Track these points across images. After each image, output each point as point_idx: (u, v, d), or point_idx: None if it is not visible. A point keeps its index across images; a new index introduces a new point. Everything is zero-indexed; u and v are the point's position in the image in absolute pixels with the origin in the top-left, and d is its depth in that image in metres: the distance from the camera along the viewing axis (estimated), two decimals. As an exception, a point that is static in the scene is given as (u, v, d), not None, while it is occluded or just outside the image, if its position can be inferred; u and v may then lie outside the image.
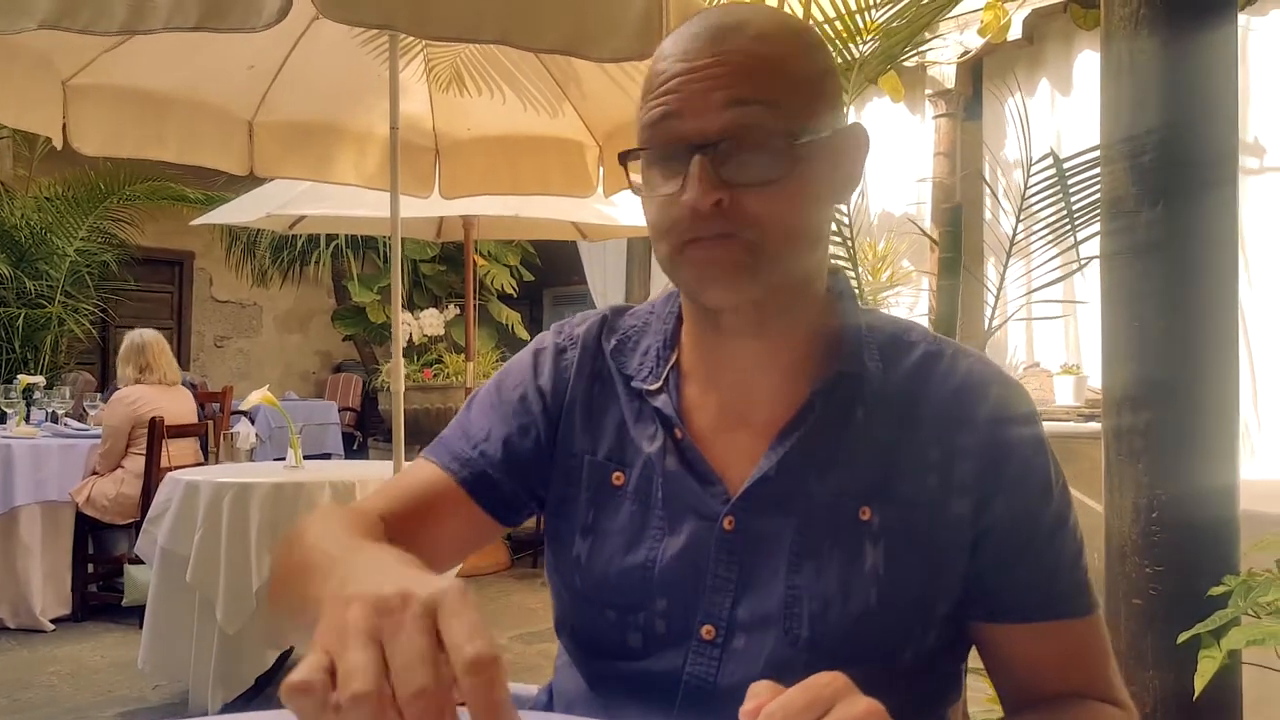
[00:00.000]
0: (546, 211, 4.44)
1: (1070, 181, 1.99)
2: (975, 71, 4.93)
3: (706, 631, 0.78)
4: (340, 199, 4.46)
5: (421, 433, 6.21)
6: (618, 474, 0.84)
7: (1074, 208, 1.96)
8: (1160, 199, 1.36)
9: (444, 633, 0.45)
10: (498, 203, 4.22)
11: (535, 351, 0.92)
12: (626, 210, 4.58)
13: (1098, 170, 1.95)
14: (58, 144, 2.97)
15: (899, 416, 0.79)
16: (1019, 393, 0.81)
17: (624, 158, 0.77)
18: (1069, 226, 2.01)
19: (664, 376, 0.84)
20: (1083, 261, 1.96)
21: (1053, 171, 2.06)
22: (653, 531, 0.81)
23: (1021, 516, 0.77)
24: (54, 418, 4.55)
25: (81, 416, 4.76)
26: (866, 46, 2.61)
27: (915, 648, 0.76)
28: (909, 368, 0.81)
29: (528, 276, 8.76)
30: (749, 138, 0.71)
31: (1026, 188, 2.06)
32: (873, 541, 0.76)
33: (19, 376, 4.58)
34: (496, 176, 3.66)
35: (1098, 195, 1.96)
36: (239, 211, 4.88)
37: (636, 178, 0.77)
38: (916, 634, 0.77)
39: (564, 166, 3.54)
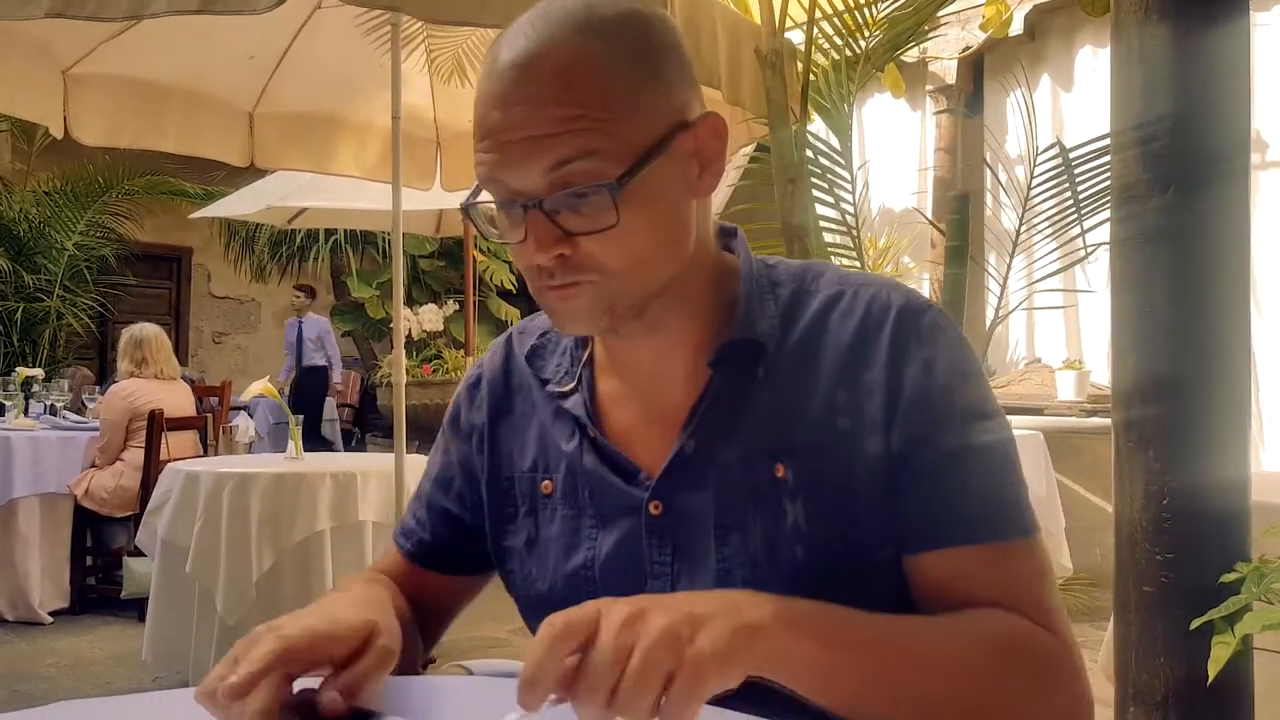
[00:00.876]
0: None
1: (1077, 171, 1.99)
2: (976, 67, 4.93)
3: None
4: (340, 192, 4.45)
5: (420, 428, 6.21)
6: (546, 482, 0.85)
7: (1080, 197, 1.96)
8: (1171, 185, 1.35)
9: None
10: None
11: (463, 390, 0.94)
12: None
13: (1105, 159, 1.95)
14: (58, 134, 2.95)
15: (801, 368, 0.78)
16: (921, 313, 0.77)
17: (467, 209, 0.75)
18: (1075, 216, 2.01)
19: (578, 376, 0.84)
20: (1089, 249, 1.96)
21: (1057, 162, 2.06)
22: (587, 532, 0.82)
23: (919, 439, 0.74)
24: (52, 410, 4.53)
25: (80, 410, 4.75)
26: (871, 40, 2.60)
27: (864, 600, 0.69)
28: (809, 319, 0.79)
29: (527, 273, 8.73)
30: (576, 192, 0.69)
31: (1032, 177, 2.06)
32: (791, 498, 0.75)
33: (17, 369, 4.56)
34: (498, 169, 3.64)
35: (1106, 184, 1.96)
36: (239, 204, 4.86)
37: (486, 225, 0.76)
38: (858, 585, 0.73)
39: (566, 159, 3.53)
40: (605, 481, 0.81)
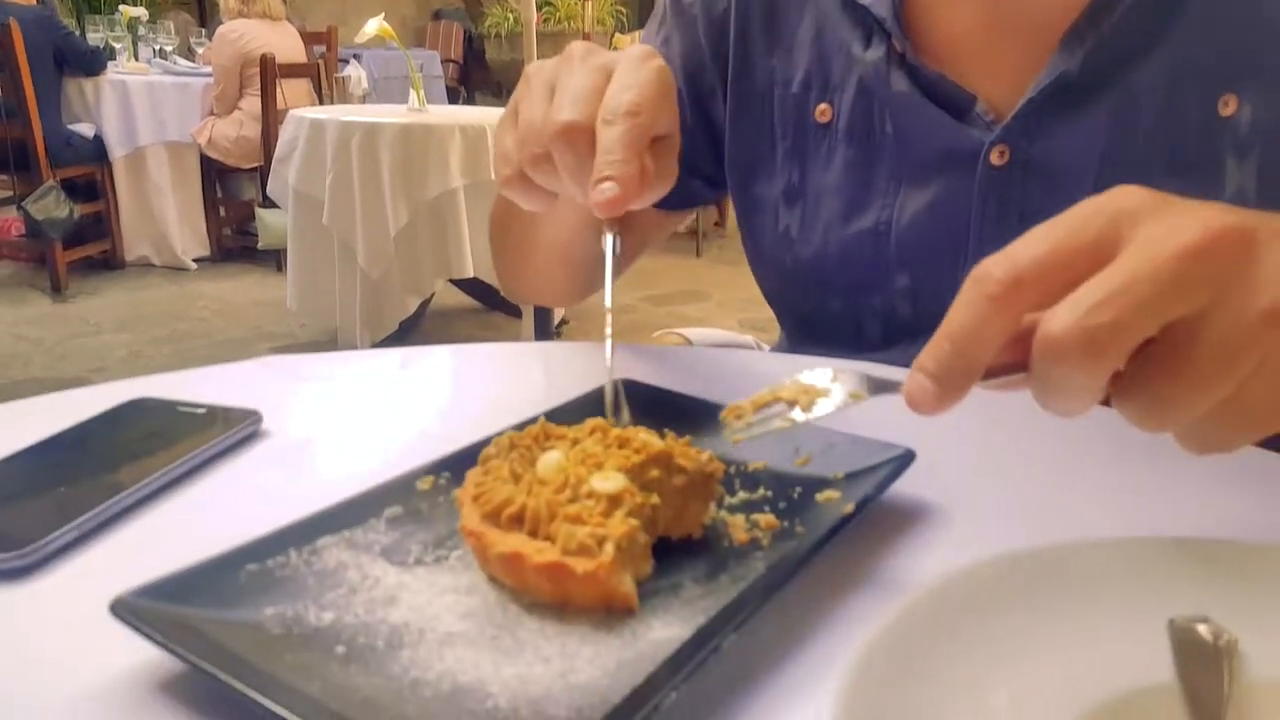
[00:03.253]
0: None
1: None
2: None
3: None
4: None
5: (531, 86, 5.86)
6: (823, 106, 0.62)
7: None
8: None
9: (610, 82, 0.43)
10: None
11: None
12: None
13: None
14: None
15: None
16: None
17: None
18: None
19: None
20: None
21: None
22: (882, 184, 0.61)
23: None
24: (162, 54, 4.37)
25: (189, 55, 4.57)
26: None
27: None
28: None
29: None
30: None
31: None
32: (1239, 151, 0.51)
33: (121, 8, 4.34)
34: None
35: None
36: None
37: None
38: None
39: None
40: (920, 113, 0.58)
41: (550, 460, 0.35)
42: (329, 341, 2.93)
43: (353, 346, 2.71)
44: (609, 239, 0.43)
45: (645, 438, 0.37)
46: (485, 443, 0.39)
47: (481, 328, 3.27)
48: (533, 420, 0.40)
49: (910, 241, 0.60)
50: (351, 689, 0.28)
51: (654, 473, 0.35)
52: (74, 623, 0.32)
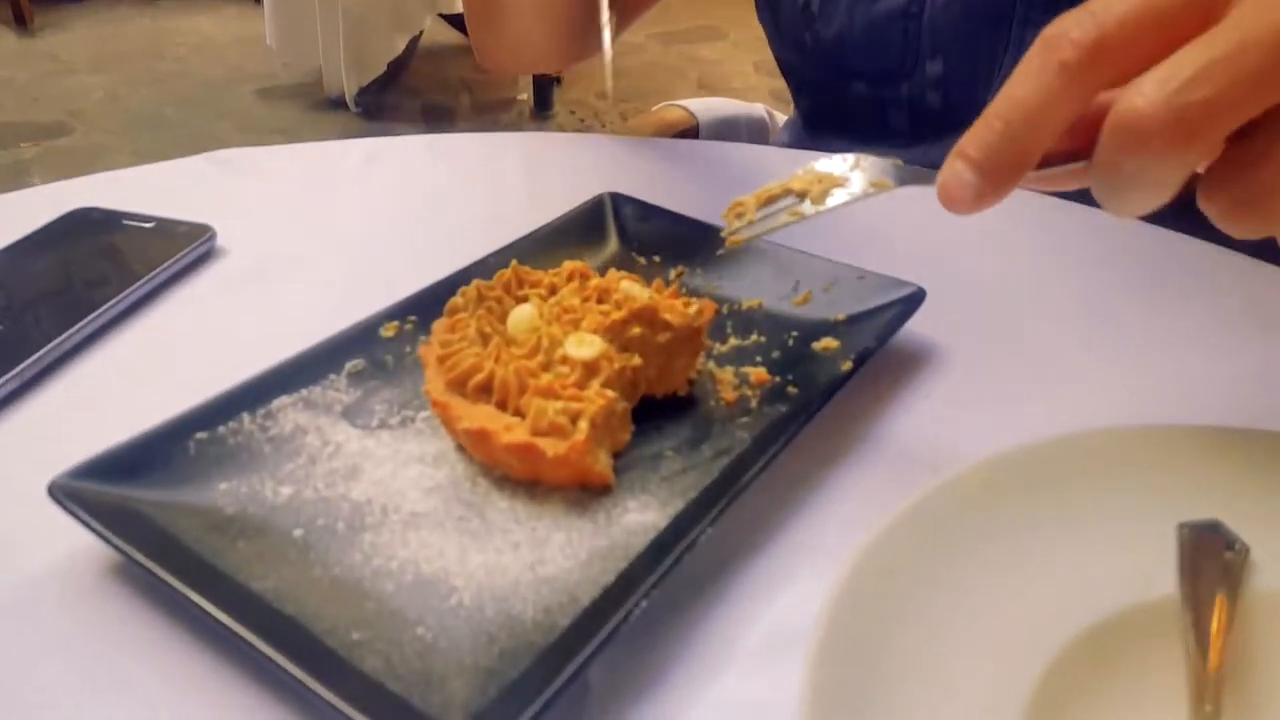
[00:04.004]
0: None
1: None
2: None
3: None
4: None
5: None
6: None
7: None
8: None
9: None
10: None
11: None
12: None
13: None
14: None
15: None
16: None
17: None
18: None
19: None
20: None
21: None
22: None
23: None
24: None
25: None
26: None
27: None
28: None
29: None
30: None
31: None
32: None
33: None
34: None
35: None
36: None
37: None
38: None
39: None
40: None
41: (522, 316, 0.32)
42: (314, 84, 2.76)
43: (339, 90, 2.56)
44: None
45: (628, 288, 0.33)
46: (453, 285, 0.35)
47: (476, 71, 3.07)
48: (504, 260, 0.36)
49: (946, 24, 0.53)
50: (309, 582, 0.26)
51: (636, 330, 0.32)
52: (12, 496, 0.30)
